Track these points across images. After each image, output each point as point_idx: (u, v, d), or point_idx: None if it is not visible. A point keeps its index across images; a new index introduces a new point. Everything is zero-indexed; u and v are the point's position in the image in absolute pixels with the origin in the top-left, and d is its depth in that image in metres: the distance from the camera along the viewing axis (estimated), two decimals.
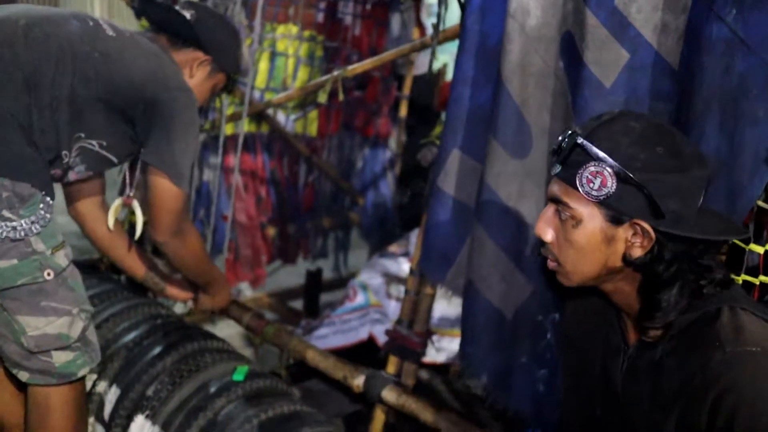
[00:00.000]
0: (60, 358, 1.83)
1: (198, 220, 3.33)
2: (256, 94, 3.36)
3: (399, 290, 3.33)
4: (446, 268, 2.03)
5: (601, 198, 1.24)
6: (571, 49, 1.67)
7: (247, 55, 2.70)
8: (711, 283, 1.27)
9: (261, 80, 3.45)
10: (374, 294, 3.37)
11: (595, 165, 1.23)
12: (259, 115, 3.39)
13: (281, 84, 3.52)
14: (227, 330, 3.40)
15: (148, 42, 2.03)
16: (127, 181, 2.16)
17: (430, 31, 2.37)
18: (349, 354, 2.70)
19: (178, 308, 2.79)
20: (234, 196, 3.11)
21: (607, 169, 1.22)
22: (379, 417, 2.19)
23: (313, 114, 3.74)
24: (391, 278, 3.45)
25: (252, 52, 2.86)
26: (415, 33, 4.18)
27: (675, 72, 1.53)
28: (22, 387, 1.95)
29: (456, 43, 2.01)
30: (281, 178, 3.73)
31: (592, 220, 1.27)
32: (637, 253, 1.26)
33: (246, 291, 4.00)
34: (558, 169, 1.29)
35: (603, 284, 1.34)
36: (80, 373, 1.88)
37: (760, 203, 1.43)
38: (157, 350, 2.27)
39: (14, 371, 1.85)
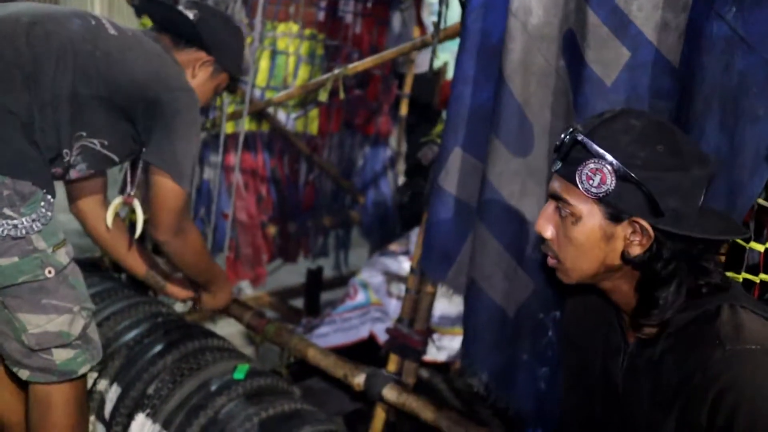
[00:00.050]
0: (61, 355, 1.83)
1: (198, 219, 3.33)
2: (257, 93, 3.36)
3: (399, 289, 3.33)
4: (447, 266, 2.03)
5: (601, 195, 1.24)
6: (572, 48, 1.67)
7: (247, 54, 2.70)
8: (708, 285, 1.27)
9: (262, 79, 3.45)
10: (375, 292, 3.37)
11: (594, 162, 1.23)
12: (259, 114, 3.39)
13: (282, 82, 3.52)
14: (228, 328, 3.39)
15: (151, 41, 2.03)
16: (129, 179, 2.16)
17: (430, 29, 2.37)
18: (349, 352, 2.70)
19: (179, 307, 2.79)
20: (234, 195, 3.11)
21: (607, 166, 1.22)
22: (379, 415, 2.19)
23: (314, 112, 3.74)
24: (392, 277, 3.45)
25: (252, 50, 2.86)
26: (416, 31, 4.18)
27: (675, 70, 1.53)
28: (22, 386, 1.95)
29: (457, 41, 2.01)
30: (282, 176, 3.73)
31: (591, 217, 1.27)
32: (636, 251, 1.26)
33: (247, 289, 4.01)
34: (558, 165, 1.29)
35: (602, 282, 1.34)
36: (81, 371, 1.88)
37: (761, 201, 1.43)
38: (157, 349, 2.27)
39: (15, 369, 1.85)
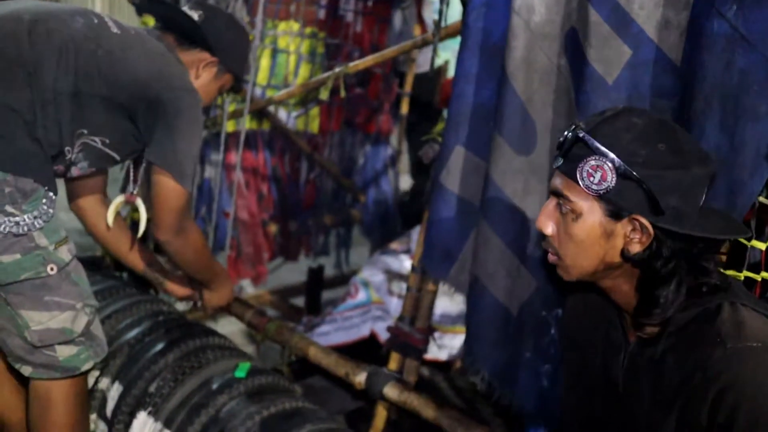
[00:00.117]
0: (64, 352, 1.84)
1: (200, 218, 3.34)
2: (258, 91, 3.36)
3: (401, 287, 3.33)
4: (449, 264, 2.03)
5: (601, 192, 1.24)
6: (574, 46, 1.67)
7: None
8: (708, 284, 1.27)
9: (262, 77, 3.45)
10: (376, 291, 3.37)
11: (595, 159, 1.23)
12: (260, 113, 3.39)
13: (283, 81, 3.52)
14: (229, 327, 3.40)
15: (154, 40, 2.02)
16: (131, 178, 2.16)
17: (431, 27, 2.37)
18: (350, 351, 2.70)
19: (181, 305, 2.79)
20: (236, 193, 3.11)
21: (608, 163, 1.22)
22: (380, 414, 2.19)
23: (315, 111, 3.74)
24: (393, 275, 3.45)
25: (253, 49, 2.86)
26: (417, 30, 4.18)
27: (677, 68, 1.53)
28: (23, 383, 1.95)
29: (457, 40, 2.01)
30: (283, 175, 3.73)
31: (591, 214, 1.27)
32: (636, 248, 1.26)
33: (248, 288, 4.01)
34: (560, 162, 1.30)
35: (602, 280, 1.34)
36: (84, 368, 1.88)
37: (762, 199, 1.43)
38: (159, 347, 2.27)
39: (17, 366, 1.85)
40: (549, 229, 1.34)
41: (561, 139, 1.30)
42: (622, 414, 1.39)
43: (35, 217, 1.73)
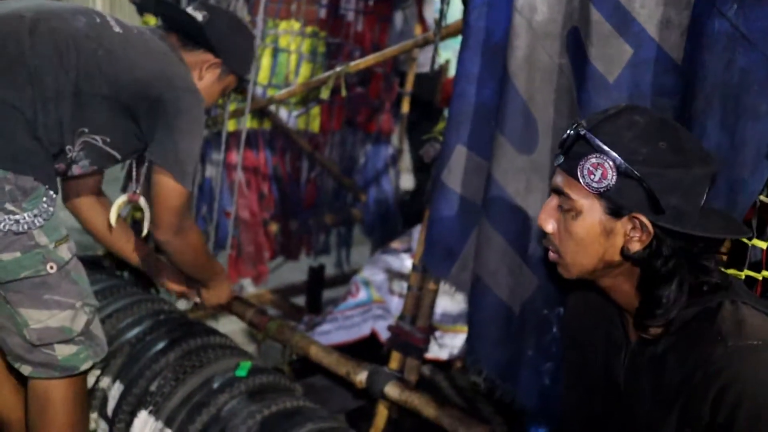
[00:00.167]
0: (63, 351, 1.84)
1: (201, 217, 3.34)
2: (259, 91, 3.36)
3: (401, 286, 3.33)
4: (450, 263, 2.03)
5: (601, 190, 1.24)
6: (576, 45, 1.67)
7: None
8: (708, 283, 1.27)
9: (263, 76, 3.45)
10: (377, 290, 3.37)
11: (596, 157, 1.23)
12: (261, 112, 3.39)
13: (284, 80, 3.52)
14: (230, 326, 3.40)
15: (157, 40, 2.02)
16: (134, 177, 2.16)
17: (432, 26, 2.37)
18: (351, 350, 2.70)
19: (181, 304, 2.79)
20: (237, 193, 3.11)
21: (609, 161, 1.22)
22: (381, 413, 2.19)
23: (316, 110, 3.75)
24: (394, 274, 3.45)
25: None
26: (418, 29, 4.18)
27: (678, 67, 1.53)
28: (23, 383, 1.95)
29: (458, 39, 2.01)
30: (284, 174, 3.73)
31: (591, 211, 1.27)
32: (636, 247, 1.26)
33: (248, 287, 4.01)
34: (561, 159, 1.30)
35: (602, 279, 1.34)
36: (83, 367, 1.89)
37: (762, 198, 1.43)
38: (160, 346, 2.27)
39: (17, 365, 1.85)
40: (549, 226, 1.34)
41: (564, 136, 1.30)
42: (622, 412, 1.39)
43: (35, 216, 1.73)
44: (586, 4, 1.60)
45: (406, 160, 4.91)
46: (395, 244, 3.71)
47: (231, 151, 3.33)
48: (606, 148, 1.22)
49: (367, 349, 2.93)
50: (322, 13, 3.64)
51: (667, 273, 1.26)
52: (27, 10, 1.83)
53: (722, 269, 1.35)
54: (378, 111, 4.03)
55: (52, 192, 1.77)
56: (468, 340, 2.02)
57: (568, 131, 1.29)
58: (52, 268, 1.77)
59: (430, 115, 4.28)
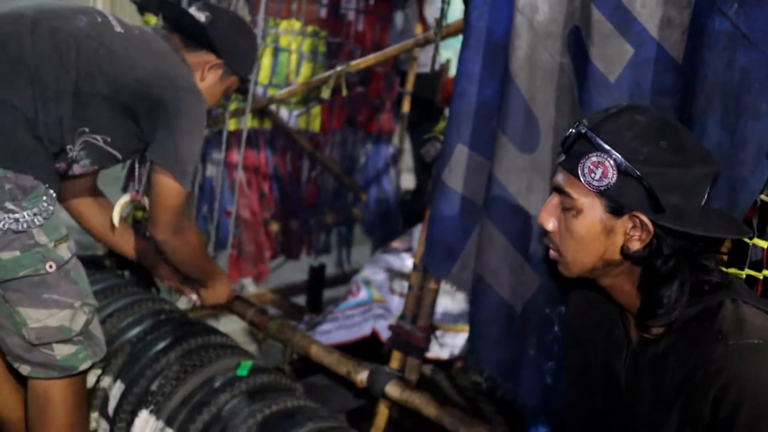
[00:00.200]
0: (62, 351, 1.83)
1: (201, 216, 3.34)
2: (259, 90, 3.35)
3: (402, 286, 3.33)
4: (451, 262, 2.03)
5: (602, 188, 1.24)
6: (577, 44, 1.67)
7: None
8: (709, 283, 1.27)
9: (264, 76, 3.44)
10: (377, 290, 3.37)
11: (597, 156, 1.24)
12: (262, 111, 3.39)
13: (284, 80, 3.52)
14: (231, 325, 3.40)
15: (159, 39, 2.02)
16: (137, 176, 2.17)
17: (433, 26, 2.37)
18: (352, 349, 2.70)
19: (182, 304, 2.79)
20: (237, 192, 3.11)
21: (609, 160, 1.22)
22: (382, 412, 2.19)
23: (316, 110, 3.74)
24: (394, 274, 3.45)
25: None
26: (418, 28, 4.18)
27: (679, 66, 1.53)
28: (22, 383, 1.95)
29: (459, 38, 2.01)
30: (284, 173, 3.73)
31: (592, 210, 1.27)
32: (636, 246, 1.26)
33: (249, 287, 4.01)
34: (562, 158, 1.30)
35: (602, 278, 1.35)
36: (82, 367, 1.88)
37: (763, 197, 1.43)
38: (161, 345, 2.27)
39: (16, 365, 1.85)
40: (550, 224, 1.35)
41: (565, 135, 1.31)
42: (624, 412, 1.39)
43: (35, 215, 1.73)
44: (588, 4, 1.60)
45: (407, 160, 4.91)
46: (396, 244, 3.70)
47: (232, 151, 3.33)
48: (607, 146, 1.22)
49: (367, 349, 2.93)
50: (323, 12, 3.63)
51: (667, 272, 1.26)
52: (28, 9, 1.83)
53: (723, 268, 1.35)
54: (379, 110, 4.03)
55: (52, 191, 1.78)
56: (469, 340, 2.02)
57: (570, 130, 1.29)
58: (51, 267, 1.77)
59: (430, 114, 4.28)
